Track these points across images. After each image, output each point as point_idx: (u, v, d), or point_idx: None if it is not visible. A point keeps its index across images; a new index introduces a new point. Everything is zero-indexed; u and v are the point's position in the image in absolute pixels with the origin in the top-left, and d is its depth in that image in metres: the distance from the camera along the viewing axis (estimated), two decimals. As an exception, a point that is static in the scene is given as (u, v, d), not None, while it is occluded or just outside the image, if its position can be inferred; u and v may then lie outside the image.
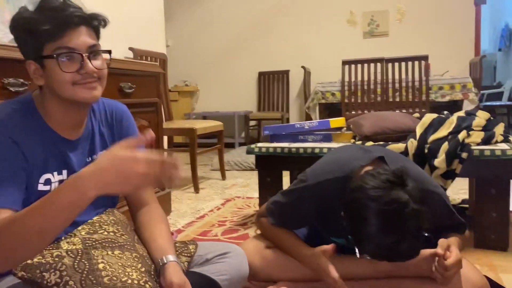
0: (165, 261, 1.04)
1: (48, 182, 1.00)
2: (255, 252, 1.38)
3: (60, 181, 1.02)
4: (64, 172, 1.04)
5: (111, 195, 0.82)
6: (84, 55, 0.95)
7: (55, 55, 0.93)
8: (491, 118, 1.91)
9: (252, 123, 5.82)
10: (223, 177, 3.54)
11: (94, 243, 1.00)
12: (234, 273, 1.16)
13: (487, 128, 1.83)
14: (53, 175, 1.02)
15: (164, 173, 0.80)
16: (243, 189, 3.17)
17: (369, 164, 1.22)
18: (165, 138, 3.42)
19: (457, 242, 1.23)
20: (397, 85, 3.54)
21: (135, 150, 0.81)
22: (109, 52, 1.03)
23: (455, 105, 3.98)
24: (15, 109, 0.98)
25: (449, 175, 1.76)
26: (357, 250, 1.13)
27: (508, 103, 6.02)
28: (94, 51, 0.98)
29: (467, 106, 3.85)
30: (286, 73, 5.68)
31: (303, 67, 5.13)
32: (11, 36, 1.61)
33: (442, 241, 1.18)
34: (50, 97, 1.00)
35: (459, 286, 1.19)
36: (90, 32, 0.98)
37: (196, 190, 3.09)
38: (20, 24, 0.95)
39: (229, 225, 2.25)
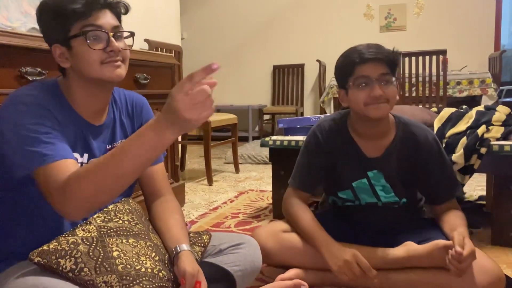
0: (179, 250, 1.04)
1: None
2: (269, 235, 1.39)
3: (81, 164, 1.04)
4: (85, 155, 1.06)
5: (183, 132, 0.87)
6: (109, 33, 0.99)
7: (82, 34, 0.96)
8: (512, 113, 1.86)
9: (266, 116, 5.80)
10: (237, 170, 3.55)
11: (109, 231, 1.01)
12: (247, 264, 1.16)
13: (507, 123, 1.79)
14: (79, 155, 1.04)
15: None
16: (256, 182, 3.17)
17: None
18: (180, 130, 3.43)
19: (467, 232, 1.25)
20: (414, 79, 3.49)
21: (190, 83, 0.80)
22: (132, 34, 1.07)
23: (473, 101, 3.91)
24: (44, 89, 1.00)
25: (467, 171, 1.73)
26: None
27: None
28: (118, 32, 1.02)
29: (486, 101, 3.78)
30: (301, 66, 5.64)
31: (318, 60, 5.09)
32: (29, 26, 1.64)
33: (457, 235, 1.18)
34: (76, 80, 1.03)
35: (473, 276, 1.19)
36: (113, 15, 1.02)
37: (210, 182, 3.10)
38: (49, 7, 0.98)
39: (242, 217, 2.25)
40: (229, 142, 3.48)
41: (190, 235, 1.18)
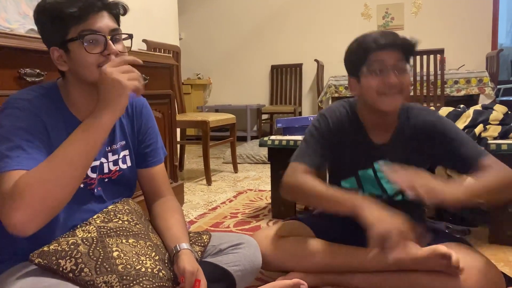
0: (179, 249, 1.04)
1: None
2: (268, 241, 1.38)
3: None
4: None
5: (119, 108, 0.94)
6: (107, 36, 0.98)
7: (79, 37, 0.96)
8: (509, 112, 1.87)
9: (264, 116, 5.81)
10: (235, 170, 3.55)
11: (108, 232, 1.01)
12: (247, 264, 1.16)
13: (505, 122, 1.80)
14: None
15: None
16: (255, 182, 3.18)
17: None
18: (178, 131, 3.43)
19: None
20: (411, 79, 3.50)
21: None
22: (131, 36, 1.06)
23: (470, 100, 3.92)
24: (42, 93, 1.00)
25: (464, 170, 1.74)
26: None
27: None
28: (116, 35, 1.01)
29: (483, 100, 3.79)
30: (299, 66, 5.65)
31: (316, 60, 5.10)
32: (28, 27, 1.64)
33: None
34: (74, 82, 1.03)
35: (471, 280, 1.19)
36: (111, 17, 1.01)
37: (209, 182, 3.10)
38: (46, 9, 0.97)
39: (241, 217, 2.25)
40: (227, 141, 3.49)
41: (190, 235, 1.19)
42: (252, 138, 5.51)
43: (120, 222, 1.06)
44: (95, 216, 1.06)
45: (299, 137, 2.03)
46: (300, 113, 5.54)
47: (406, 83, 1.22)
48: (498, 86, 5.47)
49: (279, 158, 2.11)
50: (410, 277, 1.27)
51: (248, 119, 5.53)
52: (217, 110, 5.61)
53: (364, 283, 1.32)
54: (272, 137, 2.10)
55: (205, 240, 1.17)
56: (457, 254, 1.19)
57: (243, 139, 5.39)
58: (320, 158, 1.36)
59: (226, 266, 1.13)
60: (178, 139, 3.36)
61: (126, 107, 1.17)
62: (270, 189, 2.21)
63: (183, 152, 3.60)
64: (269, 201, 2.38)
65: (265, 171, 3.52)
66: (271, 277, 1.43)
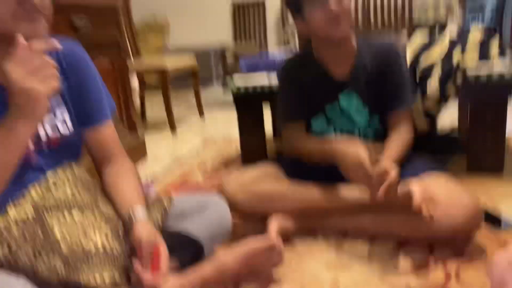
0: (133, 216, 0.92)
1: None
2: (237, 185, 1.36)
3: None
4: None
5: (38, 117, 0.81)
6: None
7: None
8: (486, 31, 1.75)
9: (229, 56, 5.55)
10: (201, 115, 3.38)
11: (47, 207, 0.86)
12: (215, 227, 1.06)
13: (483, 42, 1.69)
14: None
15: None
16: (223, 126, 3.03)
17: None
18: (136, 79, 3.19)
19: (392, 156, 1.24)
20: (378, 3, 3.36)
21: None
22: None
23: (440, 28, 3.82)
24: None
25: (442, 100, 1.66)
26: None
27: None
28: None
29: (452, 28, 3.69)
30: (262, 4, 5.33)
31: (279, -7, 4.81)
32: None
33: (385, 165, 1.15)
34: None
35: (448, 211, 1.14)
36: None
37: (173, 131, 2.93)
38: None
39: (210, 168, 2.12)
40: (190, 87, 3.29)
41: (150, 200, 1.05)
42: (217, 77, 5.30)
43: (61, 193, 0.91)
44: (31, 190, 0.89)
45: (266, 82, 1.87)
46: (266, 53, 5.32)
47: (346, 7, 1.27)
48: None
49: (245, 105, 1.98)
50: (385, 217, 1.24)
51: (211, 60, 5.28)
52: (178, 52, 5.31)
53: (340, 224, 1.31)
54: (238, 83, 1.93)
55: (166, 205, 1.04)
56: (433, 188, 1.18)
57: (208, 80, 5.17)
58: (302, 106, 1.42)
59: (192, 232, 1.00)
60: (137, 88, 3.14)
61: (59, 61, 0.97)
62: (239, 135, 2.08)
63: (143, 102, 3.38)
64: (239, 149, 2.25)
65: (233, 115, 3.35)
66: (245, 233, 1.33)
